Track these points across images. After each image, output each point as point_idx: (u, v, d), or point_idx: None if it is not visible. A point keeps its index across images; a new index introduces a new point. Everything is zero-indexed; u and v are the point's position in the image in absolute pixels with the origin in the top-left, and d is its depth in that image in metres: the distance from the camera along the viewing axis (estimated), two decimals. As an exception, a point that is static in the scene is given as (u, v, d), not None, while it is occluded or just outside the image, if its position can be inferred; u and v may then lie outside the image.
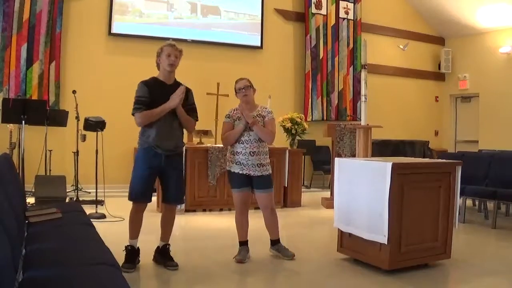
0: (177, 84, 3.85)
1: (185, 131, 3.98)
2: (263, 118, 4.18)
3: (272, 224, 4.28)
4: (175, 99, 3.70)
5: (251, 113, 4.14)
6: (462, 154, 7.24)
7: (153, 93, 3.73)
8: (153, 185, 3.88)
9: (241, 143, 4.10)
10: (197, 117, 4.00)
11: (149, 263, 3.92)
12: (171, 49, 3.77)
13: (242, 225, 4.20)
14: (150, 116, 3.69)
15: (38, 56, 7.68)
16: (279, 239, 4.31)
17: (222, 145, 6.75)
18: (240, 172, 4.10)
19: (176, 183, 3.87)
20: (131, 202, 3.84)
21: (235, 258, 4.08)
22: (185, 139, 6.88)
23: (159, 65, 3.84)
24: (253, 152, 4.09)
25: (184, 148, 6.59)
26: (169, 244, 3.95)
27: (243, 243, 4.20)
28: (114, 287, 2.07)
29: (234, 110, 4.22)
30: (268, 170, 4.21)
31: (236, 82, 4.23)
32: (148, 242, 4.05)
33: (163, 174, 3.84)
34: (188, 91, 3.88)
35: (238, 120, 4.13)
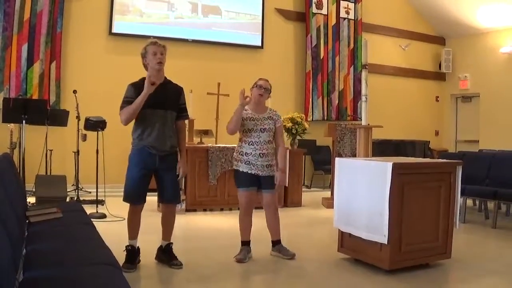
0: (167, 83, 3.87)
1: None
2: (274, 122, 4.22)
3: (274, 224, 4.29)
4: (147, 83, 3.60)
5: (261, 114, 4.19)
6: (463, 154, 7.23)
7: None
8: (148, 186, 3.85)
9: (251, 144, 4.11)
10: (188, 116, 4.07)
11: (150, 263, 3.92)
12: (156, 47, 3.76)
13: (246, 225, 4.21)
14: (130, 109, 3.65)
15: (38, 56, 7.68)
16: (280, 240, 4.31)
17: (222, 145, 6.78)
18: (249, 171, 4.11)
19: (172, 183, 3.86)
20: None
21: (235, 258, 4.08)
22: (185, 139, 6.95)
23: (146, 66, 3.82)
24: (262, 154, 4.11)
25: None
26: (171, 243, 3.95)
27: (245, 243, 4.20)
28: (115, 287, 2.07)
29: (245, 110, 4.22)
30: (275, 171, 4.24)
31: (260, 79, 4.30)
32: (149, 242, 4.06)
33: (158, 175, 3.83)
34: (180, 91, 3.93)
35: (248, 120, 4.15)
